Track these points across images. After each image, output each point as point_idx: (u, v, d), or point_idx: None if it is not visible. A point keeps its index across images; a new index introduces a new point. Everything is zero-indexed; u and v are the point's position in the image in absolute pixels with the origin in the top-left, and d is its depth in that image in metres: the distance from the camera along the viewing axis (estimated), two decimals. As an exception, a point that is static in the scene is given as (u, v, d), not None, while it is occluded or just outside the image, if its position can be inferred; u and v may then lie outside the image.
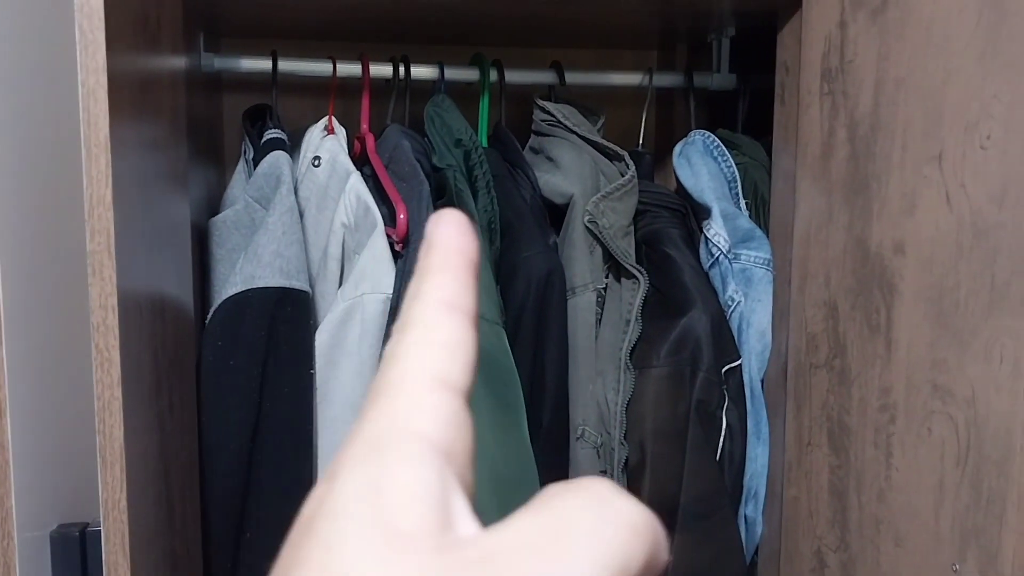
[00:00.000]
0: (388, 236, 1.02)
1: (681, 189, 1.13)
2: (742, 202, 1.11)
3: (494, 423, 0.96)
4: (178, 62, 0.89)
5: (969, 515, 0.76)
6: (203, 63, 1.09)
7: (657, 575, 0.20)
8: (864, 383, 0.89)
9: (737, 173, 1.12)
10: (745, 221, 1.07)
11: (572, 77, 1.19)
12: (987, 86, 0.73)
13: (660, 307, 1.06)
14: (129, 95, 0.67)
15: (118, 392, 0.62)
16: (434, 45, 1.29)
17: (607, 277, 1.10)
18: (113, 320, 0.61)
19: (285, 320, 0.97)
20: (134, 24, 0.69)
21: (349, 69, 1.13)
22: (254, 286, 0.95)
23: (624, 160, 1.09)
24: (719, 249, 1.06)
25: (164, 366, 0.78)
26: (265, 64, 1.12)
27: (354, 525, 0.19)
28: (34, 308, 0.83)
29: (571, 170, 1.08)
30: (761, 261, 1.05)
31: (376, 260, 1.01)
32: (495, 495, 0.93)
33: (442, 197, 1.06)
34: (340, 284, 1.05)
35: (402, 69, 1.14)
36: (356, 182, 1.05)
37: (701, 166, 1.10)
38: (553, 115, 1.12)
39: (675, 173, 1.13)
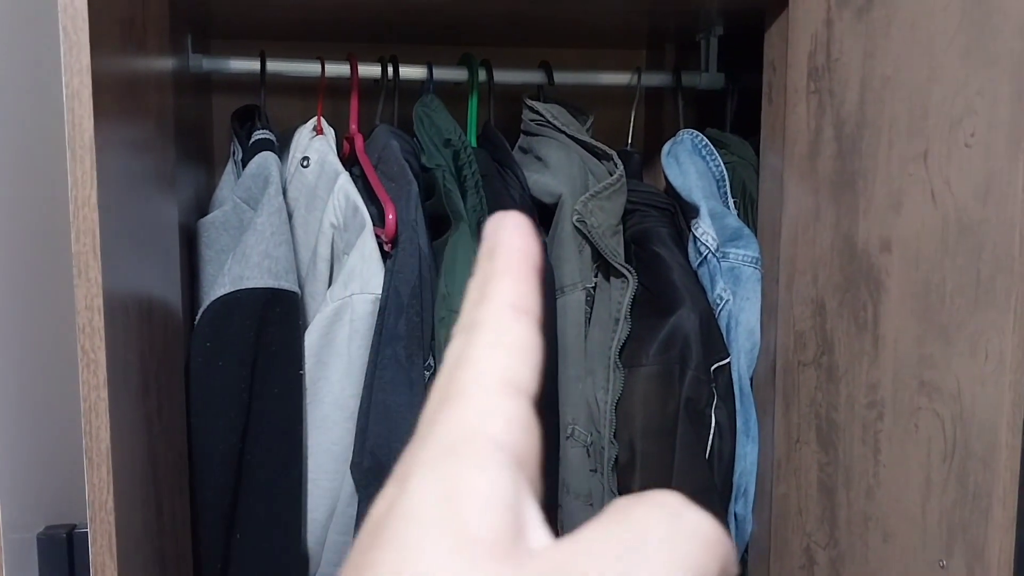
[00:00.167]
0: (377, 236, 1.02)
1: (670, 188, 1.13)
2: (730, 201, 1.12)
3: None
4: (165, 63, 0.89)
5: (956, 510, 0.77)
6: (191, 64, 1.09)
7: None
8: (852, 380, 0.90)
9: (725, 172, 1.12)
10: (733, 219, 1.08)
11: (561, 77, 1.19)
12: (971, 83, 0.73)
13: (649, 306, 1.06)
14: (114, 96, 0.67)
15: (104, 393, 0.62)
16: (422, 45, 1.29)
17: (596, 276, 1.10)
18: (99, 321, 0.61)
19: (274, 321, 0.97)
20: (119, 25, 0.69)
21: (338, 70, 1.13)
22: (243, 287, 0.95)
23: (612, 159, 1.10)
24: (707, 248, 1.06)
25: (152, 367, 0.78)
26: (254, 65, 1.12)
27: (428, 530, 0.18)
28: (21, 310, 0.83)
29: (560, 169, 1.09)
30: (749, 259, 1.06)
31: (365, 260, 1.01)
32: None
33: (431, 197, 1.06)
34: (329, 284, 1.05)
35: (391, 69, 1.14)
36: (345, 182, 1.05)
37: (689, 165, 1.11)
38: (542, 115, 1.13)
39: (664, 172, 1.13)
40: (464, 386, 0.21)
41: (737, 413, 1.06)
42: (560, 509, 1.09)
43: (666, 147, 1.14)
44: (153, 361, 0.79)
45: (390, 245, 1.02)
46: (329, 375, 1.02)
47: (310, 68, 1.14)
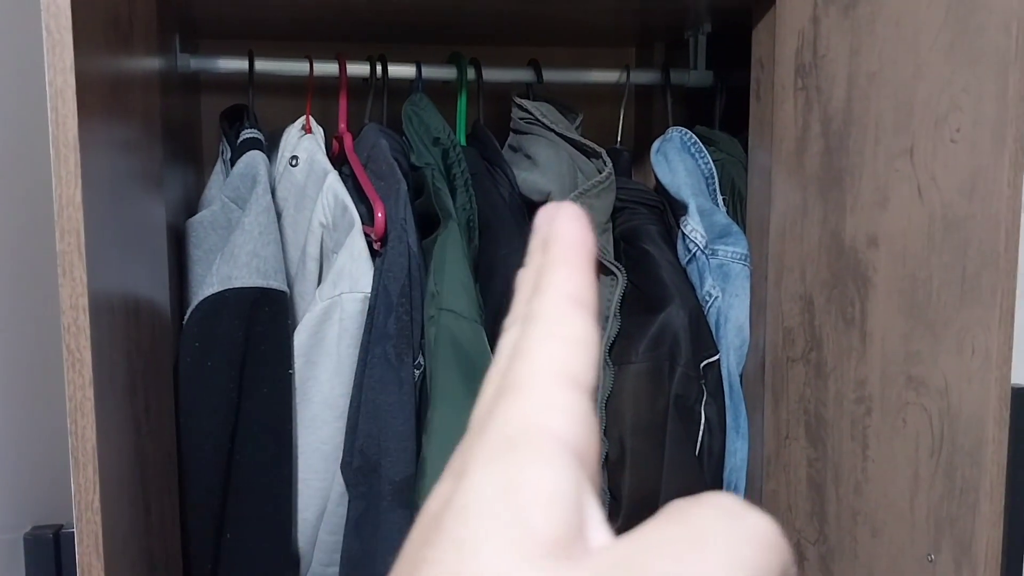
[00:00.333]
0: (366, 235, 1.02)
1: (659, 186, 1.13)
2: (719, 198, 1.12)
3: (474, 421, 0.96)
4: (152, 63, 0.89)
5: (943, 505, 0.77)
6: (179, 64, 1.09)
7: None
8: (840, 376, 0.90)
9: (715, 169, 1.12)
10: (722, 217, 1.08)
11: (550, 75, 1.19)
12: (956, 80, 0.74)
13: (638, 303, 1.06)
14: (99, 95, 0.67)
15: (90, 393, 0.62)
16: (411, 44, 1.29)
17: (586, 274, 1.10)
18: (84, 321, 0.61)
19: (263, 320, 0.97)
20: (104, 24, 0.69)
21: (326, 69, 1.13)
22: (231, 286, 0.95)
23: (601, 157, 1.10)
24: (696, 245, 1.06)
25: (139, 367, 0.78)
26: (242, 64, 1.12)
27: (489, 525, 0.18)
28: (7, 309, 0.82)
29: (549, 167, 1.09)
30: (738, 256, 1.06)
31: (354, 259, 1.00)
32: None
33: (420, 196, 1.06)
34: (319, 284, 1.05)
35: (379, 68, 1.14)
36: (334, 181, 1.05)
37: (678, 163, 1.11)
38: (531, 113, 1.13)
39: (653, 170, 1.13)
40: (521, 379, 0.21)
41: (727, 409, 1.06)
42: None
43: (655, 145, 1.14)
44: (140, 361, 0.79)
45: (379, 244, 1.02)
46: (319, 374, 1.02)
47: (298, 67, 1.13)
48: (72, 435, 0.62)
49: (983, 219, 0.71)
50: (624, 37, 1.42)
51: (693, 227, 1.06)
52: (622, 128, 1.24)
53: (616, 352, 1.06)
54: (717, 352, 1.06)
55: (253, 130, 1.08)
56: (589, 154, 1.11)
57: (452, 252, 1.01)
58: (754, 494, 1.07)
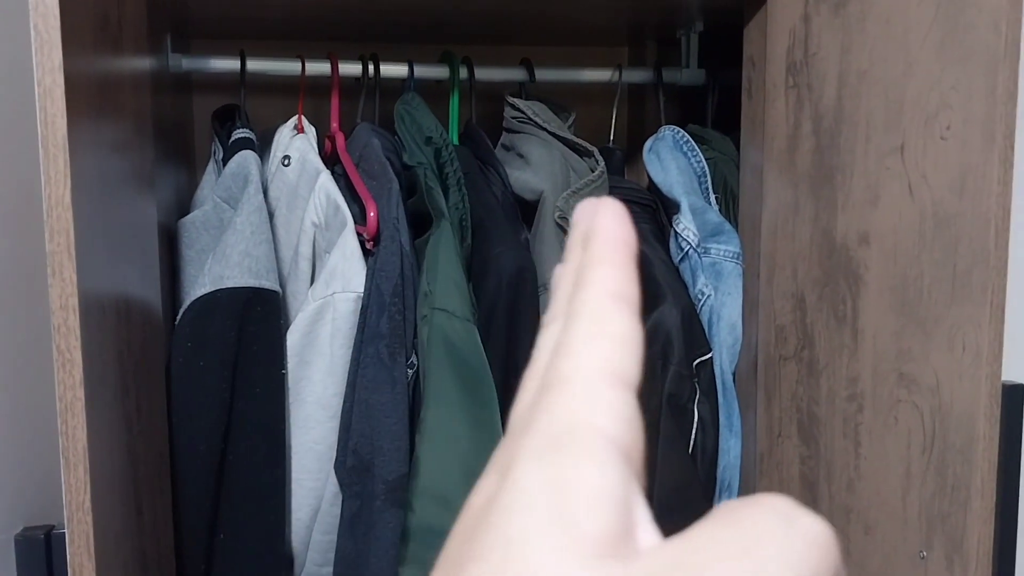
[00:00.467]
0: (359, 234, 1.02)
1: (652, 184, 1.14)
2: (712, 196, 1.12)
3: (467, 420, 0.96)
4: (142, 63, 0.89)
5: (935, 502, 0.77)
6: (171, 64, 1.09)
7: None
8: (832, 374, 0.90)
9: (707, 168, 1.12)
10: (714, 215, 1.08)
11: (542, 74, 1.19)
12: (945, 77, 0.74)
13: (631, 302, 1.06)
14: (89, 95, 0.67)
15: (80, 393, 0.62)
16: (403, 43, 1.29)
17: (579, 273, 1.10)
18: (74, 321, 0.61)
19: (255, 320, 0.97)
20: (93, 24, 0.69)
21: (318, 68, 1.13)
22: (223, 286, 0.95)
23: (594, 156, 1.10)
24: (688, 243, 1.06)
25: (131, 367, 0.78)
26: (234, 64, 1.12)
27: (537, 522, 0.18)
28: (-1, 311, 0.82)
29: (541, 166, 1.09)
30: (730, 254, 1.06)
31: (347, 259, 1.00)
32: (469, 492, 0.93)
33: (413, 195, 1.06)
34: (311, 283, 1.05)
35: (371, 68, 1.14)
36: (326, 181, 1.05)
37: (671, 161, 1.11)
38: (523, 112, 1.13)
39: (645, 168, 1.14)
40: (566, 375, 0.21)
41: (720, 408, 1.06)
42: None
43: (648, 143, 1.14)
44: (132, 361, 0.79)
45: (372, 243, 1.02)
46: (311, 374, 1.02)
47: (290, 67, 1.13)
48: (63, 435, 0.62)
49: (973, 216, 0.72)
50: (616, 36, 1.42)
51: (685, 225, 1.07)
52: (615, 127, 1.24)
53: (609, 351, 1.06)
54: (710, 350, 1.06)
55: (245, 130, 1.08)
56: (582, 153, 1.11)
57: (445, 251, 1.01)
58: (747, 492, 1.07)
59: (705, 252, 1.06)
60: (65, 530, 0.63)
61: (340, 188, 1.05)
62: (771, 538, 0.18)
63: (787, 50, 0.96)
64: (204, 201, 1.07)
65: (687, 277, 1.08)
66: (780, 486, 1.00)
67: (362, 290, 1.00)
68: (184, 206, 1.13)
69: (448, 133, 1.12)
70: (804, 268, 0.94)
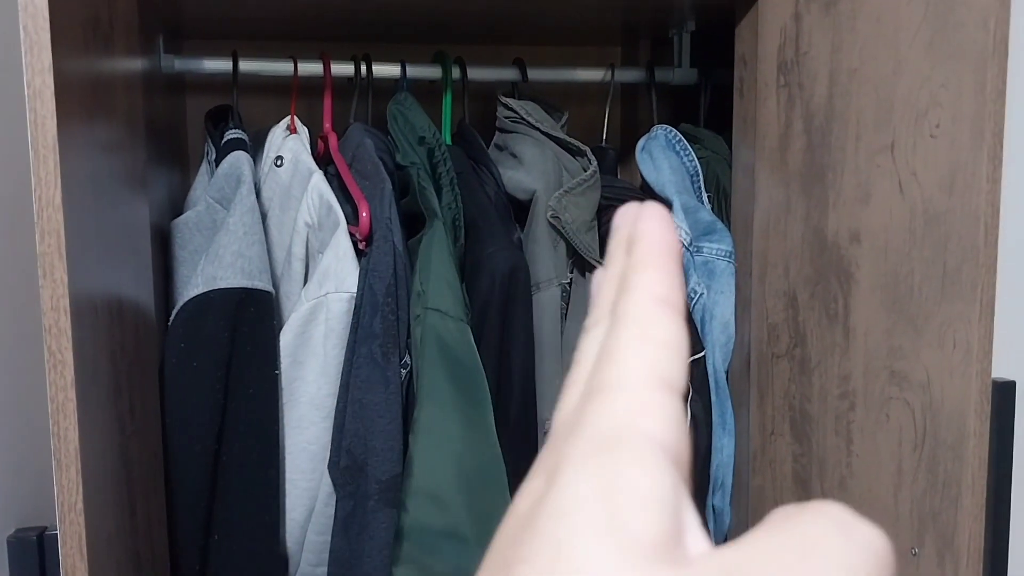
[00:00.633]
0: (352, 235, 1.02)
1: (644, 184, 1.14)
2: (704, 195, 1.12)
3: (460, 419, 0.96)
4: (134, 64, 0.89)
5: (926, 499, 0.77)
6: (163, 65, 1.09)
7: None
8: (824, 371, 0.90)
9: (699, 167, 1.12)
10: (706, 214, 1.08)
11: (535, 74, 1.19)
12: (935, 75, 0.74)
13: (624, 301, 1.06)
14: (80, 96, 0.67)
15: (72, 394, 0.62)
16: (396, 43, 1.29)
17: (572, 272, 1.10)
18: (65, 322, 0.61)
19: (248, 321, 0.97)
20: (83, 25, 0.69)
21: (311, 68, 1.13)
22: (216, 287, 0.95)
23: (587, 155, 1.10)
24: (681, 242, 1.07)
25: (124, 368, 0.78)
26: (226, 65, 1.12)
27: (586, 526, 0.18)
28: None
29: (534, 166, 1.09)
30: (723, 253, 1.06)
31: (340, 259, 1.00)
32: (462, 492, 0.94)
33: (406, 195, 1.06)
34: (304, 284, 1.05)
35: (364, 68, 1.14)
36: (318, 181, 1.05)
37: (663, 160, 1.11)
38: (516, 112, 1.13)
39: (638, 168, 1.14)
40: (614, 380, 0.21)
41: (713, 406, 1.06)
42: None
43: (640, 143, 1.14)
44: (125, 362, 0.79)
45: (364, 243, 1.02)
46: (305, 375, 1.02)
47: (283, 67, 1.13)
48: (54, 436, 0.62)
49: (963, 214, 0.72)
50: (609, 36, 1.42)
51: (678, 224, 1.07)
52: (607, 126, 1.24)
53: (602, 350, 1.06)
54: (703, 349, 1.06)
55: (237, 130, 1.08)
56: (574, 152, 1.12)
57: (438, 251, 1.01)
58: (741, 490, 1.07)
59: (698, 251, 1.06)
60: (57, 531, 0.63)
61: (333, 188, 1.05)
62: (828, 546, 0.18)
63: (778, 49, 0.96)
64: (197, 202, 1.07)
65: (680, 276, 1.08)
66: (773, 484, 1.00)
67: (355, 290, 1.00)
68: (177, 207, 1.13)
69: (441, 133, 1.12)
70: (796, 266, 0.94)
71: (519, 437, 1.05)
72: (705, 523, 1.08)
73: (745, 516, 1.06)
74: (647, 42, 1.42)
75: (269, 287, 0.99)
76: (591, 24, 1.30)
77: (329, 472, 1.01)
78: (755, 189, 1.01)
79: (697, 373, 1.05)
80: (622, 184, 1.17)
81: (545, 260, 1.07)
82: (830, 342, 0.89)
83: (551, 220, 1.05)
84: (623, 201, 1.13)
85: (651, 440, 0.19)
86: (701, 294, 1.06)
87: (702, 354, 1.06)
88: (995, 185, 0.70)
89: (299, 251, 1.05)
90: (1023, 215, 1.06)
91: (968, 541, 0.73)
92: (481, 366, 0.98)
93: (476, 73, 1.17)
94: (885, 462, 0.82)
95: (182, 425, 0.96)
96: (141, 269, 0.89)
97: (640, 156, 1.13)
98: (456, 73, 1.16)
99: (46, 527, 0.75)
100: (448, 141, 1.15)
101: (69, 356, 0.61)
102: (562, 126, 1.17)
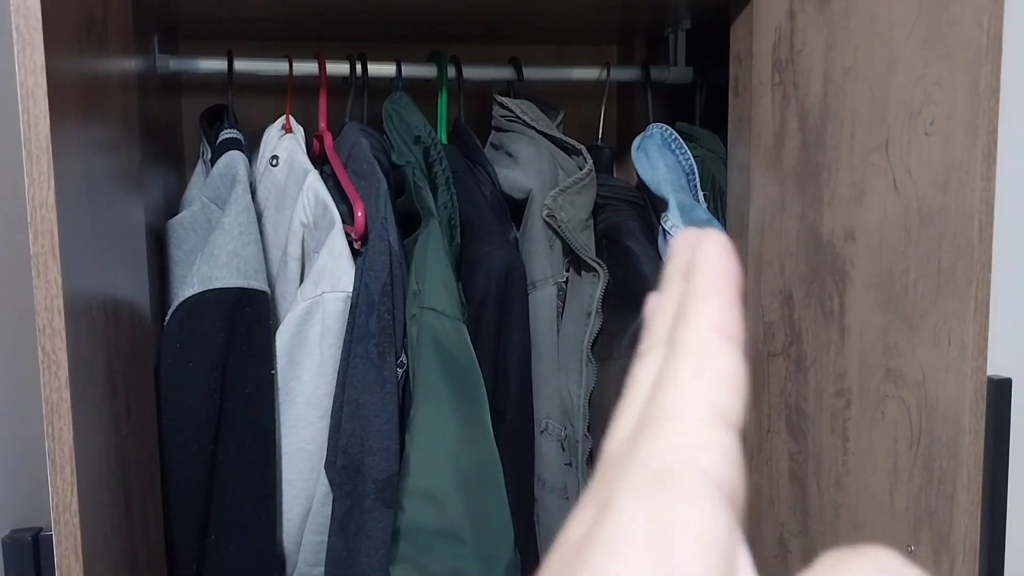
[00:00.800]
0: (347, 234, 1.02)
1: (640, 182, 1.14)
2: (700, 194, 1.12)
3: (457, 418, 0.96)
4: (129, 64, 0.89)
5: (922, 497, 0.77)
6: (158, 64, 1.08)
7: None
8: (820, 369, 0.90)
9: (695, 165, 1.12)
10: (702, 212, 1.08)
11: (530, 72, 1.19)
12: (929, 73, 0.74)
13: (620, 300, 1.06)
14: (73, 96, 0.67)
15: (66, 395, 0.62)
16: (391, 43, 1.29)
17: (568, 271, 1.10)
18: (59, 322, 0.61)
19: (244, 321, 0.97)
20: (76, 25, 0.69)
21: (306, 68, 1.13)
22: (211, 287, 0.95)
23: (582, 154, 1.10)
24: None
25: (119, 369, 0.78)
26: (222, 65, 1.12)
27: (638, 561, 0.18)
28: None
29: (529, 165, 1.09)
30: (719, 252, 1.06)
31: (335, 258, 1.00)
32: (458, 491, 0.94)
33: (401, 195, 1.06)
34: (300, 283, 1.05)
35: (359, 67, 1.14)
36: (314, 180, 1.05)
37: (659, 159, 1.11)
38: (512, 111, 1.13)
39: (634, 166, 1.14)
40: (670, 411, 0.20)
41: (709, 405, 1.06)
42: (536, 503, 1.09)
43: (636, 141, 1.14)
44: (120, 362, 0.79)
45: (360, 243, 1.02)
46: (301, 374, 1.01)
47: (278, 67, 1.13)
48: (49, 437, 0.62)
49: (957, 212, 0.72)
50: (605, 34, 1.42)
51: (673, 223, 1.07)
52: (603, 125, 1.25)
53: (599, 349, 1.06)
54: (699, 347, 1.06)
55: (233, 130, 1.08)
56: (570, 151, 1.12)
57: (434, 250, 1.01)
58: (737, 488, 1.07)
59: (693, 249, 1.06)
60: (52, 532, 0.63)
61: (328, 188, 1.05)
62: None
63: (773, 47, 0.96)
64: (192, 202, 1.07)
65: (676, 274, 1.08)
66: (769, 482, 1.00)
67: (351, 290, 1.00)
68: (172, 206, 1.13)
69: (436, 132, 1.12)
70: (791, 265, 0.94)
71: (515, 436, 1.05)
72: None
73: (742, 514, 1.06)
74: (643, 41, 1.42)
75: (265, 287, 0.99)
76: (587, 23, 1.30)
77: (326, 472, 1.01)
78: (750, 187, 1.01)
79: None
80: (618, 183, 1.17)
81: (541, 259, 1.07)
82: (825, 340, 0.89)
83: (547, 219, 1.05)
84: (619, 200, 1.14)
85: (707, 477, 0.19)
86: (697, 292, 1.06)
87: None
88: (989, 183, 0.70)
89: (295, 251, 1.05)
90: (1017, 212, 1.06)
91: (964, 538, 0.73)
92: (477, 365, 0.98)
93: (472, 72, 1.17)
94: (881, 460, 0.82)
95: (178, 425, 0.96)
96: (136, 269, 0.89)
97: (636, 154, 1.13)
98: (452, 72, 1.16)
99: (41, 528, 0.75)
100: (444, 140, 1.15)
101: (63, 356, 0.61)
102: (558, 125, 1.17)
